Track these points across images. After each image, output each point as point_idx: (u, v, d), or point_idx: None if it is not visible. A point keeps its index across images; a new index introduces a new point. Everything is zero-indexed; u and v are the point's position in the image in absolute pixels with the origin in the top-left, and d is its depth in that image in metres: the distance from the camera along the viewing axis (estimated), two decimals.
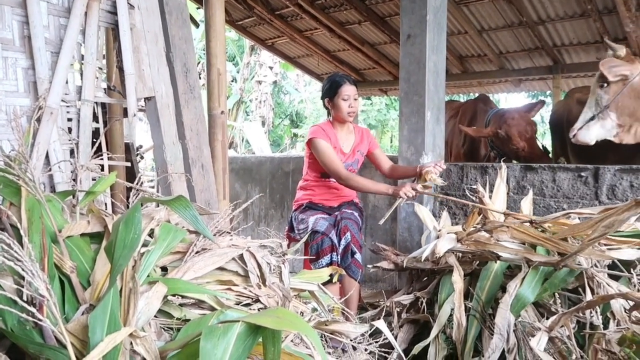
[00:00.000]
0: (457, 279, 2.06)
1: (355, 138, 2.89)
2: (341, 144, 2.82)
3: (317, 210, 2.76)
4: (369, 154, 2.94)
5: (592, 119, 2.87)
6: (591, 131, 2.84)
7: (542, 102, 3.90)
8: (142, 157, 6.04)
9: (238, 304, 1.44)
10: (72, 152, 2.01)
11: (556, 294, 1.91)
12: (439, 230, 2.45)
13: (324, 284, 1.98)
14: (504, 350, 1.80)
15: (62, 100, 2.00)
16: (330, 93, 2.73)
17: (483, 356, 1.87)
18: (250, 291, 1.48)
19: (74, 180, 1.86)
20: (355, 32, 6.43)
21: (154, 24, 2.30)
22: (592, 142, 2.87)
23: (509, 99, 15.53)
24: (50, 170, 1.89)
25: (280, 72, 15.49)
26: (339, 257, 2.55)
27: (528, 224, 2.03)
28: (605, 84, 2.83)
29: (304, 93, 16.51)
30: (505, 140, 3.55)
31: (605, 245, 1.93)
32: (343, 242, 2.56)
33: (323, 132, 2.72)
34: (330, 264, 2.52)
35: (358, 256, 2.58)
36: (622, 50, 2.79)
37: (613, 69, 2.75)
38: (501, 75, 6.64)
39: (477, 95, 4.96)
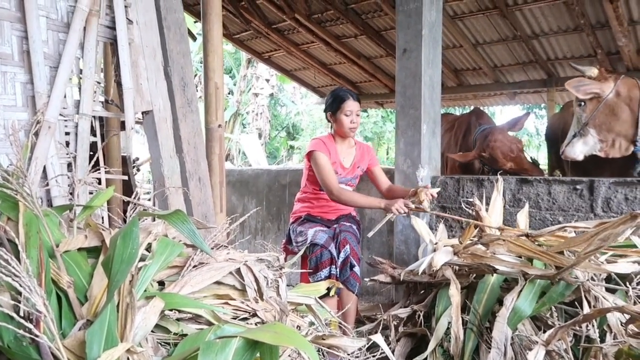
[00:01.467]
0: (454, 293, 2.06)
1: (356, 153, 2.90)
2: (341, 158, 2.83)
3: (316, 223, 2.77)
4: (368, 170, 2.95)
5: (574, 136, 2.97)
6: (575, 148, 2.94)
7: (527, 114, 3.92)
8: (138, 170, 6.04)
9: (235, 318, 1.43)
10: (69, 165, 2.01)
11: (553, 307, 1.92)
12: (436, 244, 2.46)
13: (322, 297, 1.98)
14: None
15: (60, 115, 2.00)
16: (333, 107, 2.75)
17: None
18: (247, 305, 1.48)
19: (71, 194, 1.86)
20: (351, 46, 6.49)
21: (153, 38, 2.32)
22: (580, 158, 2.95)
23: (504, 112, 15.66)
24: (47, 184, 1.89)
25: (277, 85, 15.59)
26: (337, 269, 2.54)
27: (524, 237, 2.04)
28: (583, 103, 2.93)
29: (300, 105, 16.59)
30: (492, 162, 3.55)
31: (604, 255, 1.94)
32: (342, 254, 2.57)
33: (324, 145, 2.74)
34: (328, 276, 2.51)
35: (357, 269, 2.58)
36: (591, 71, 2.88)
37: (581, 88, 2.85)
38: (496, 89, 6.70)
39: (472, 108, 5.00)
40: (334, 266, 2.54)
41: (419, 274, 2.31)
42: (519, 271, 1.97)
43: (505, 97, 7.30)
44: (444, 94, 5.74)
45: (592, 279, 1.88)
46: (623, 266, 1.82)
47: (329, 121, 2.86)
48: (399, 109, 3.17)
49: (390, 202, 2.53)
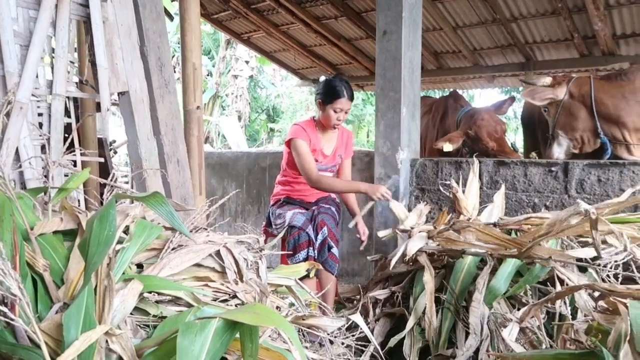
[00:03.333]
0: (429, 279, 2.10)
1: (337, 141, 2.88)
2: (322, 144, 2.82)
3: (295, 205, 2.77)
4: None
5: (551, 140, 3.23)
6: (554, 150, 3.19)
7: (512, 99, 3.97)
8: (115, 153, 5.93)
9: (215, 300, 1.44)
10: (43, 147, 1.97)
11: (527, 286, 1.97)
12: (411, 229, 2.49)
13: (302, 279, 1.99)
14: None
15: (33, 95, 1.95)
16: (325, 99, 2.69)
17: (457, 347, 1.91)
18: (227, 287, 1.48)
19: (45, 176, 1.82)
20: (331, 27, 6.43)
21: (128, 17, 2.26)
22: (562, 157, 3.16)
23: (483, 95, 15.79)
24: (20, 166, 1.85)
25: (257, 67, 15.40)
26: (315, 251, 2.56)
27: (492, 225, 2.10)
28: (546, 109, 3.22)
29: (280, 88, 16.45)
30: (475, 140, 3.60)
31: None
32: (320, 236, 2.58)
33: (304, 132, 2.72)
34: (306, 258, 2.53)
35: (335, 250, 2.60)
36: (543, 80, 3.15)
37: (536, 95, 3.11)
38: (475, 72, 6.73)
39: (451, 91, 5.03)
40: (311, 248, 2.55)
41: (392, 265, 2.32)
42: (486, 251, 2.04)
43: (484, 80, 7.35)
44: (424, 77, 5.77)
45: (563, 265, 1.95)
46: (584, 252, 1.88)
47: (316, 103, 2.81)
48: (379, 92, 3.16)
49: (372, 187, 2.56)
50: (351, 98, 2.71)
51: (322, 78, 2.86)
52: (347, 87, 2.71)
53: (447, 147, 3.48)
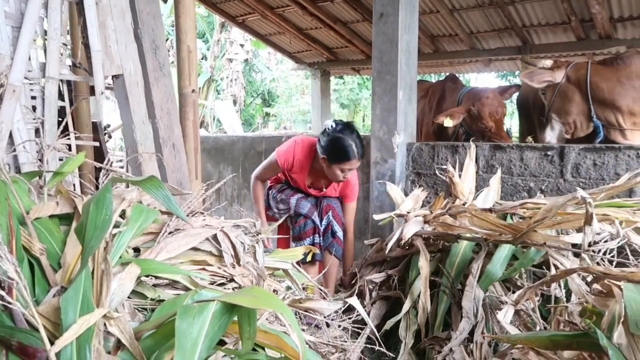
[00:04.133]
0: (424, 264, 2.11)
1: (334, 184, 2.64)
2: (309, 181, 2.63)
3: (296, 190, 2.72)
4: (342, 201, 2.73)
5: (544, 123, 3.27)
6: (546, 135, 3.24)
7: (517, 87, 3.96)
8: (110, 137, 5.88)
9: (212, 284, 1.44)
10: (37, 131, 1.95)
11: (522, 269, 1.98)
12: (407, 213, 2.49)
13: (304, 264, 1.99)
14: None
15: (25, 78, 1.93)
16: (332, 158, 2.39)
17: (452, 330, 1.93)
18: (224, 271, 1.49)
19: (40, 160, 1.81)
20: (327, 10, 6.36)
21: None
22: (554, 141, 3.20)
23: (479, 79, 15.73)
24: (14, 150, 1.83)
25: (252, 50, 15.24)
26: (321, 238, 2.57)
27: (487, 211, 2.11)
28: (544, 92, 3.25)
29: (275, 71, 16.31)
30: (476, 118, 3.60)
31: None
32: (325, 221, 2.59)
33: (291, 161, 2.53)
34: (312, 245, 2.54)
35: (339, 234, 2.61)
36: (543, 62, 3.18)
37: (534, 77, 3.14)
38: (472, 55, 6.70)
39: (447, 74, 5.01)
40: (317, 235, 2.56)
41: (388, 249, 2.33)
42: (481, 237, 2.05)
43: (481, 64, 7.31)
44: (420, 61, 5.72)
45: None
46: (579, 237, 1.89)
47: (320, 157, 2.47)
48: (376, 75, 3.15)
49: (264, 227, 2.34)
50: (362, 156, 2.42)
51: (328, 124, 2.44)
52: (359, 145, 2.39)
53: (448, 122, 3.48)
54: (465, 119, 3.67)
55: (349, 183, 2.61)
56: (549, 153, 2.67)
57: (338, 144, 2.37)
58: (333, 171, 2.42)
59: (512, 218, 2.23)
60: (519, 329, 1.76)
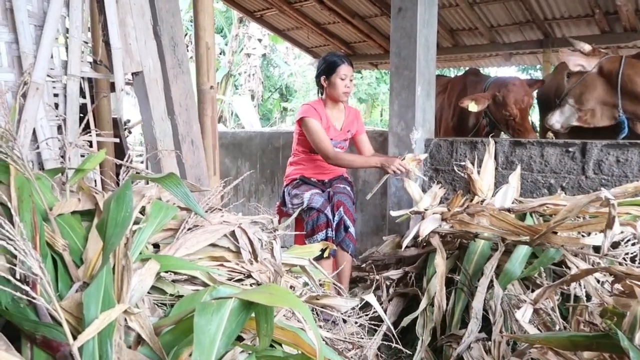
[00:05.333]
0: (440, 262, 2.09)
1: (346, 118, 2.91)
2: (333, 122, 2.84)
3: (311, 186, 2.78)
4: (354, 137, 2.97)
5: (557, 106, 3.23)
6: (553, 117, 3.19)
7: (542, 81, 3.89)
8: (130, 132, 5.96)
9: (230, 280, 1.46)
10: (59, 128, 1.98)
11: (541, 268, 1.96)
12: (425, 210, 2.48)
13: (317, 259, 2.01)
14: (490, 321, 1.86)
15: (48, 75, 1.96)
16: (328, 71, 2.75)
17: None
18: (242, 267, 1.50)
19: (62, 157, 1.84)
20: (345, 4, 6.32)
21: None
22: (557, 127, 3.19)
23: (500, 73, 15.50)
24: (38, 147, 1.87)
25: (270, 45, 15.26)
26: (333, 232, 2.58)
27: (505, 211, 2.09)
28: (568, 77, 3.21)
29: (293, 66, 16.31)
30: (500, 105, 3.53)
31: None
32: (337, 216, 2.60)
33: (314, 111, 2.74)
34: (325, 239, 2.55)
35: (352, 230, 2.62)
36: (585, 47, 3.11)
37: (572, 58, 3.09)
38: (492, 49, 6.60)
39: (467, 69, 4.95)
40: (330, 229, 2.57)
41: (404, 247, 2.33)
42: (498, 237, 2.03)
43: (501, 58, 7.20)
44: (439, 55, 5.67)
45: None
46: (597, 239, 1.86)
47: (320, 87, 2.85)
48: (394, 70, 3.12)
49: (388, 160, 2.59)
50: (350, 64, 2.78)
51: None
52: (344, 55, 2.84)
53: (472, 106, 3.45)
54: (490, 106, 3.61)
55: (357, 116, 2.99)
56: (570, 149, 2.62)
57: (328, 58, 2.80)
58: (336, 85, 2.73)
59: (532, 216, 2.20)
60: (538, 328, 1.74)
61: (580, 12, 5.32)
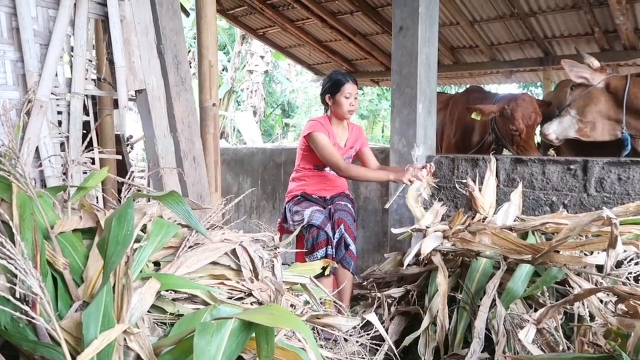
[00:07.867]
0: (442, 281, 2.08)
1: (350, 135, 2.94)
2: (338, 139, 2.87)
3: (312, 202, 2.78)
4: (358, 151, 2.99)
5: (555, 115, 3.20)
6: (551, 126, 3.15)
7: (549, 104, 3.89)
8: (132, 148, 5.99)
9: (231, 298, 1.45)
10: (62, 145, 2.00)
11: (544, 287, 1.94)
12: (426, 228, 2.47)
13: (318, 276, 2.00)
14: (493, 341, 1.84)
15: (52, 93, 1.98)
16: (333, 90, 2.78)
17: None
18: (243, 285, 1.49)
19: (64, 174, 1.85)
20: (347, 22, 6.40)
21: (145, 15, 2.27)
22: (552, 138, 3.15)
23: (500, 91, 15.57)
24: (40, 165, 1.88)
25: (272, 62, 15.38)
26: (333, 249, 2.57)
27: (507, 230, 2.08)
28: (572, 87, 3.19)
29: (295, 83, 16.43)
30: (507, 119, 3.52)
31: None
32: (337, 234, 2.59)
33: (321, 126, 2.76)
34: (325, 257, 2.54)
35: (352, 247, 2.61)
36: (594, 62, 3.11)
37: (574, 69, 3.07)
38: (492, 67, 6.65)
39: (467, 86, 4.97)
40: (330, 246, 2.56)
41: (405, 265, 2.32)
42: (499, 255, 2.02)
43: (501, 76, 7.26)
44: (440, 72, 5.71)
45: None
46: (600, 258, 1.85)
47: (325, 104, 2.87)
48: (395, 88, 3.14)
49: (399, 174, 2.63)
50: (355, 82, 2.81)
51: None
52: (349, 74, 2.85)
53: (475, 115, 3.47)
54: (497, 120, 3.60)
55: (360, 132, 3.02)
56: (572, 167, 2.62)
57: (333, 76, 2.82)
58: (340, 104, 2.76)
59: (534, 234, 2.19)
60: (541, 348, 1.72)
61: (580, 30, 5.37)
